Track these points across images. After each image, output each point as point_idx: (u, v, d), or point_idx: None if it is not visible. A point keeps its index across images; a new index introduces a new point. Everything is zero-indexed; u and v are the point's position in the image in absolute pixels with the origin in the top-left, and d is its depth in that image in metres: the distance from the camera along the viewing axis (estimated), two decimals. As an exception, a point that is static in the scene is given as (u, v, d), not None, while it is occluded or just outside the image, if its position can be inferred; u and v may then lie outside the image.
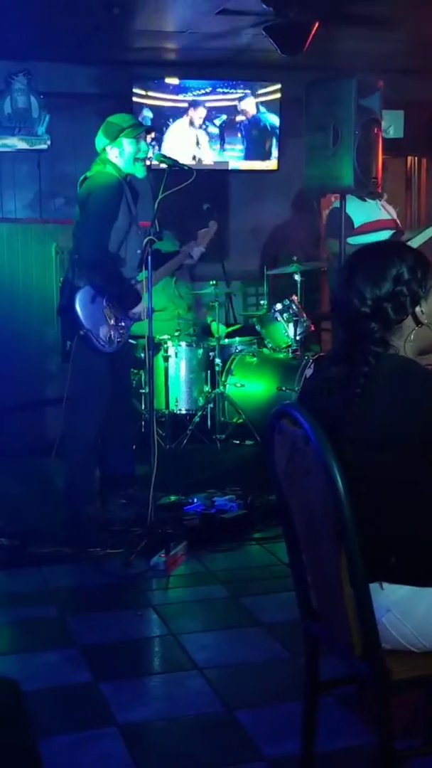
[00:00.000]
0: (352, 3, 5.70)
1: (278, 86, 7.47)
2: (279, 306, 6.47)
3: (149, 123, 7.03)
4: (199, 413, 6.39)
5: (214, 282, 6.62)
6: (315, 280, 7.52)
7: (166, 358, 6.40)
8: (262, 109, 7.56)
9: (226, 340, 6.60)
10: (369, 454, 2.15)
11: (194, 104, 7.42)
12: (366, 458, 2.15)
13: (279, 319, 6.46)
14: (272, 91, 7.53)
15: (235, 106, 7.52)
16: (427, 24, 6.19)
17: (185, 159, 6.84)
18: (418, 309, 2.28)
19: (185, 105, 7.41)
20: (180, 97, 7.38)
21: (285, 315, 6.45)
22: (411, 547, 2.20)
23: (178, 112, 7.39)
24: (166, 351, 6.41)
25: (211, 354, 6.51)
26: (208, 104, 7.45)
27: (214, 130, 7.50)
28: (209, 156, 7.55)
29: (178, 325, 6.68)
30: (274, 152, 7.64)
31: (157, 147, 7.10)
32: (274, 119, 7.58)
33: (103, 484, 5.09)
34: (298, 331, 6.46)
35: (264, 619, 3.83)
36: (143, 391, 6.24)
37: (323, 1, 5.62)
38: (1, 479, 5.70)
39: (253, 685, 3.30)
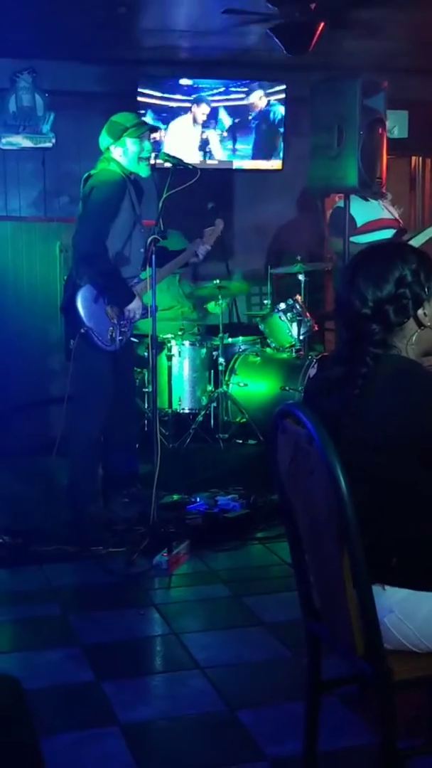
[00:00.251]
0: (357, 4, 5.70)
1: (283, 86, 7.46)
2: (283, 305, 6.47)
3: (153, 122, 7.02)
4: (203, 412, 6.39)
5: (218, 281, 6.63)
6: (319, 280, 7.52)
7: (169, 357, 6.40)
8: (273, 101, 7.52)
9: (230, 339, 6.60)
10: (367, 455, 2.15)
11: (197, 101, 7.41)
12: (364, 459, 2.15)
13: (282, 318, 6.46)
14: (279, 91, 7.52)
15: (247, 106, 7.50)
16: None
17: (189, 157, 6.83)
18: (420, 311, 2.27)
19: (188, 105, 7.39)
20: (187, 96, 7.37)
21: (289, 314, 6.44)
22: (412, 548, 2.20)
23: (181, 110, 7.37)
24: (169, 350, 6.40)
25: (214, 353, 6.50)
26: (220, 104, 7.43)
27: (225, 134, 7.49)
28: (220, 155, 7.53)
29: (182, 324, 6.68)
30: (283, 147, 7.59)
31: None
32: (283, 112, 7.54)
33: (106, 483, 5.08)
34: (302, 330, 6.46)
35: (266, 619, 3.83)
36: (146, 389, 6.24)
37: (327, 2, 5.62)
38: (5, 477, 5.71)
39: (255, 684, 3.30)
